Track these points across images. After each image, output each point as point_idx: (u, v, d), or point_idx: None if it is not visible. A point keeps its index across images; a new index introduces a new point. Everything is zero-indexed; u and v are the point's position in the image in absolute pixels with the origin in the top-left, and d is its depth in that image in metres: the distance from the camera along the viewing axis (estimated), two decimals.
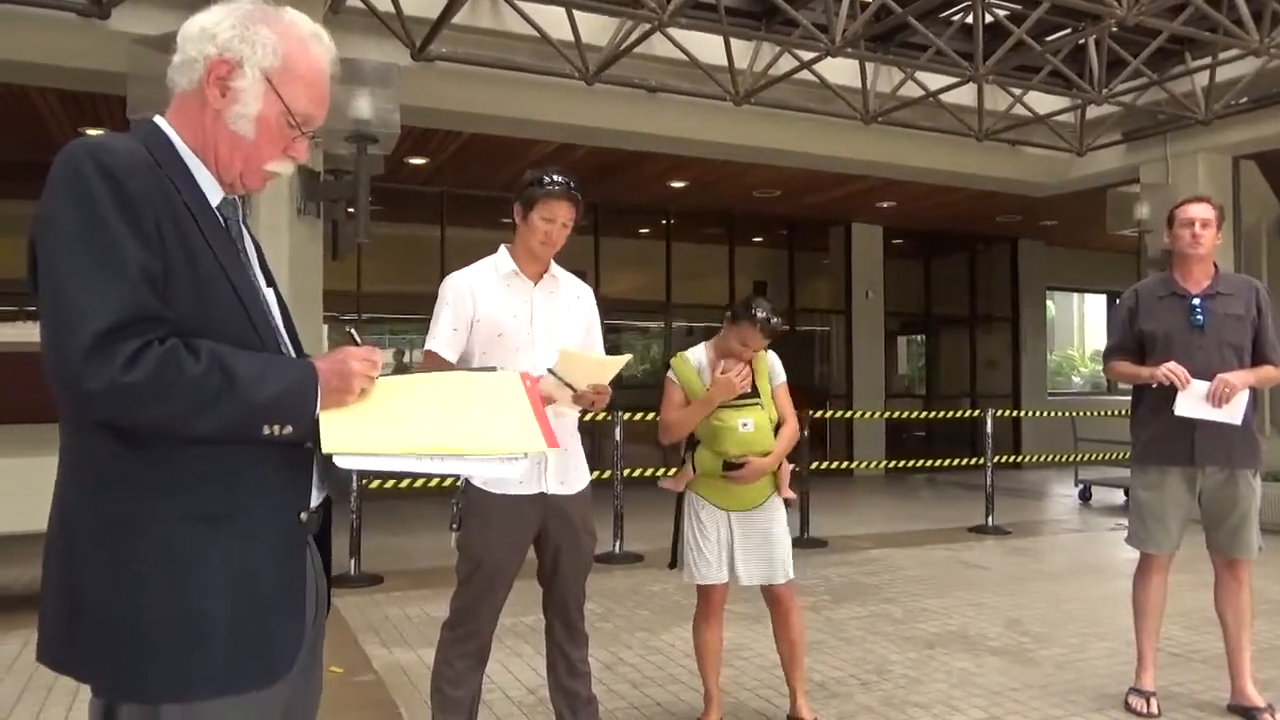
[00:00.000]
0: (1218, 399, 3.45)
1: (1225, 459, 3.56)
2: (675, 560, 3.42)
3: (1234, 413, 3.47)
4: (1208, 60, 7.63)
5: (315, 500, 1.51)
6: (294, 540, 1.47)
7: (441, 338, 2.86)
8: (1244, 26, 6.27)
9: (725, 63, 7.12)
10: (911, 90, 7.78)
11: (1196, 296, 3.64)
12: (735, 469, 3.24)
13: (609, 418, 6.96)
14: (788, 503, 3.46)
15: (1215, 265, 3.72)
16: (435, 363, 2.82)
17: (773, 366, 3.44)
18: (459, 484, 2.92)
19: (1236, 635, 3.66)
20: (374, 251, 8.70)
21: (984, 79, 7.18)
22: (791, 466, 3.48)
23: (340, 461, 1.40)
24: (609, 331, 3.22)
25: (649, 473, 7.34)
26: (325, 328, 7.40)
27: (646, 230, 11.89)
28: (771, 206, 11.44)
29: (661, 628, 4.88)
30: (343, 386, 1.41)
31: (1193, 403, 3.49)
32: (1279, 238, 9.09)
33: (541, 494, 2.83)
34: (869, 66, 7.71)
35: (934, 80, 7.63)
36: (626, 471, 7.03)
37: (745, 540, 3.33)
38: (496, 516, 2.80)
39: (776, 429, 3.35)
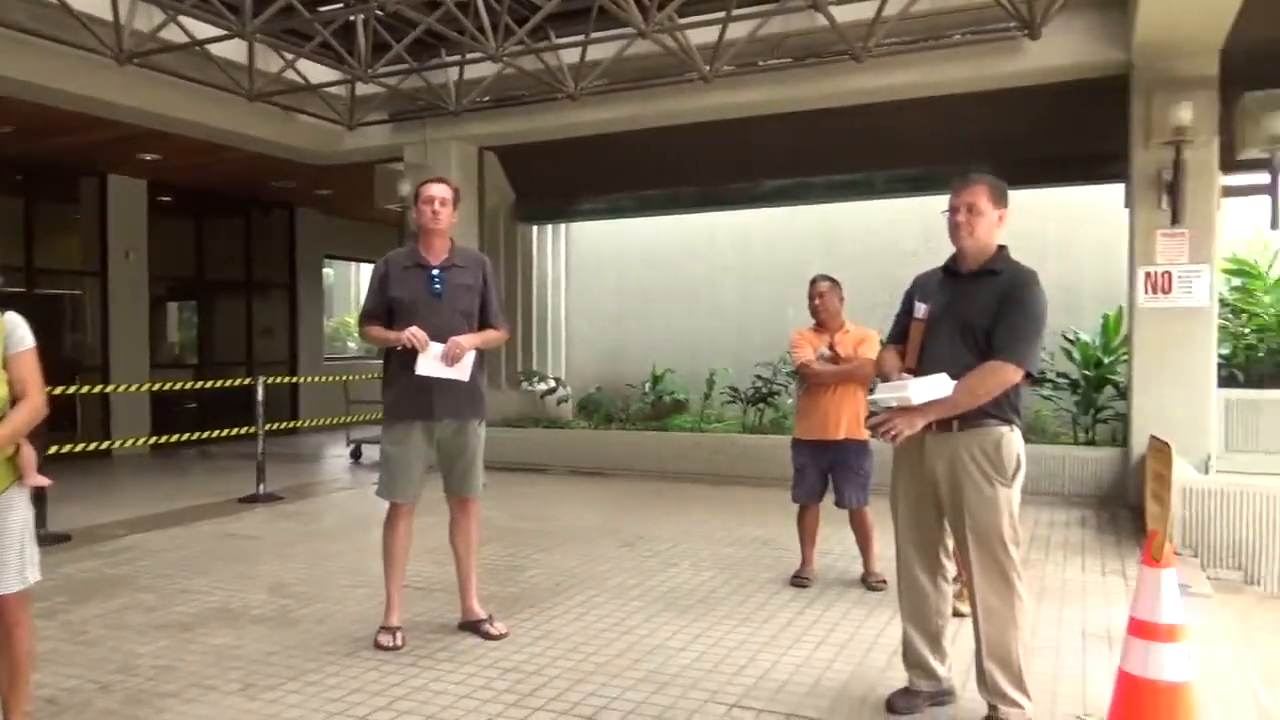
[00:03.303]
0: (450, 359, 3.89)
1: (457, 411, 4.03)
2: None
3: (463, 370, 3.96)
4: (458, 58, 8.53)
5: None
6: None
7: None
8: (485, 33, 7.13)
9: None
10: (176, 35, 7.17)
11: (436, 267, 4.03)
12: None
13: None
14: (38, 490, 2.92)
15: (452, 240, 4.16)
16: None
17: (11, 331, 2.84)
18: None
19: (466, 562, 4.22)
20: None
21: (253, 37, 6.94)
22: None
23: None
24: None
25: None
26: None
27: None
28: (3, 146, 9.56)
29: None
30: None
31: (431, 363, 3.88)
32: (514, 221, 10.65)
33: None
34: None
35: (202, 30, 7.14)
36: None
37: None
38: None
39: (14, 404, 2.77)
